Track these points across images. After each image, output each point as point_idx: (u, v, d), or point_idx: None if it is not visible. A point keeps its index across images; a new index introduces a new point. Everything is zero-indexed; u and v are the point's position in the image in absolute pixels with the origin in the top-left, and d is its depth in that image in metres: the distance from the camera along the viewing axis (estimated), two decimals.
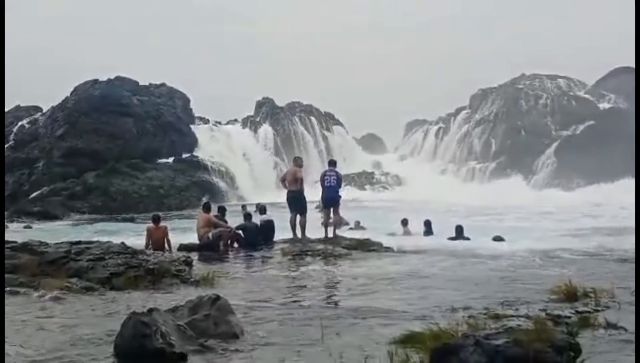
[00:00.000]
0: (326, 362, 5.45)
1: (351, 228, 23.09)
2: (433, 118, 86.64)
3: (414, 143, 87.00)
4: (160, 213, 22.49)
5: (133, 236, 21.36)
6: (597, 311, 6.96)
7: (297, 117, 70.48)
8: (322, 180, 18.66)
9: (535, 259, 14.08)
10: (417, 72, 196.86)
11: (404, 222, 23.22)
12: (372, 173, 67.75)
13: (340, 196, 18.85)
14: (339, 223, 19.42)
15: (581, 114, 63.24)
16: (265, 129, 65.91)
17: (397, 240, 19.98)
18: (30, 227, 35.48)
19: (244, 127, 66.06)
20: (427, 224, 22.16)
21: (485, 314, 6.74)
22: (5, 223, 32.86)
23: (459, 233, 20.39)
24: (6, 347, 6.30)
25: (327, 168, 20.19)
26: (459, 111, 79.63)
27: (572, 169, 55.77)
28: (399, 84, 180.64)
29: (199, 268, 12.01)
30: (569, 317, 6.57)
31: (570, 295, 8.11)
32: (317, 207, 19.63)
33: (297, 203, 18.41)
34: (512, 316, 6.46)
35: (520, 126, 66.61)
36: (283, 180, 19.45)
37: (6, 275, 10.43)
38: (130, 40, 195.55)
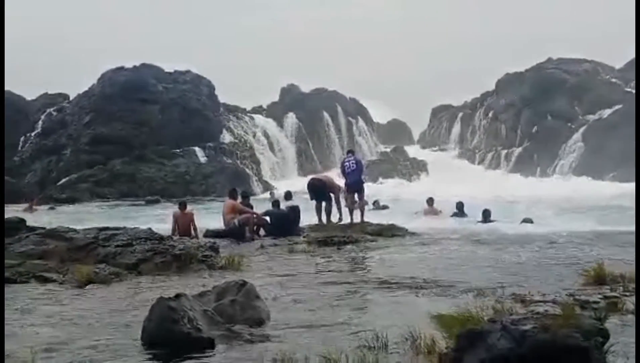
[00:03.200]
0: (352, 343, 5.46)
1: (371, 209, 23.07)
2: (459, 103, 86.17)
3: (439, 129, 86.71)
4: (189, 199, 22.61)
5: (159, 222, 21.50)
6: (626, 296, 6.89)
7: (322, 103, 70.32)
8: (343, 168, 18.81)
9: (563, 241, 13.98)
10: (443, 58, 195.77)
11: (430, 201, 23.11)
12: (398, 159, 67.56)
13: (363, 181, 18.91)
14: (364, 207, 19.44)
15: (608, 98, 62.40)
16: (290, 117, 65.81)
17: (423, 221, 19.97)
18: (54, 208, 35.97)
19: (268, 116, 66.02)
20: (460, 206, 22.09)
21: (512, 299, 6.71)
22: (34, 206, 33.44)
23: (486, 216, 20.34)
24: (36, 329, 6.39)
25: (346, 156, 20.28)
26: (485, 96, 79.05)
27: (599, 153, 55.15)
28: (425, 69, 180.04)
29: (226, 254, 12.04)
30: (597, 302, 6.53)
31: (599, 280, 8.05)
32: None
33: (319, 192, 18.57)
34: (540, 301, 6.43)
35: (546, 110, 65.96)
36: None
37: (35, 261, 10.56)
38: (153, 29, 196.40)
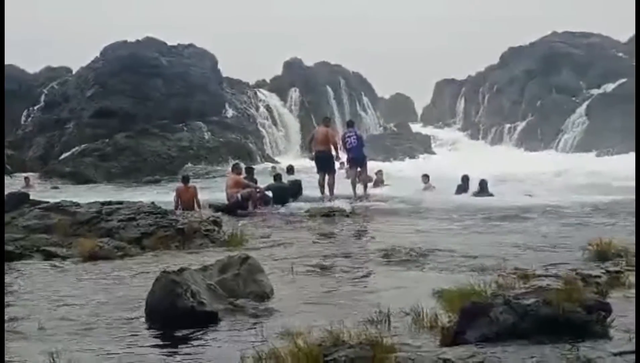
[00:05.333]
0: (355, 317, 5.48)
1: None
2: (463, 77, 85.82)
3: (443, 104, 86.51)
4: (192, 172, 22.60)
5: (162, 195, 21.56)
6: (629, 270, 6.89)
7: (325, 78, 70.05)
8: (344, 142, 18.68)
9: (564, 211, 13.98)
10: (447, 31, 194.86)
11: (426, 178, 23.13)
12: (400, 133, 67.45)
13: (365, 155, 18.84)
14: (367, 181, 19.42)
15: (613, 72, 62.12)
16: (293, 91, 65.58)
17: (422, 195, 19.97)
18: (57, 188, 35.94)
19: (271, 90, 65.81)
20: (465, 179, 22.00)
21: (514, 274, 6.71)
22: (32, 183, 33.29)
23: (483, 188, 20.26)
24: (43, 304, 6.42)
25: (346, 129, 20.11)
26: (489, 70, 78.71)
27: (603, 127, 54.97)
28: (429, 43, 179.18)
29: (228, 228, 12.06)
30: (600, 277, 6.53)
31: (602, 254, 8.04)
32: (344, 168, 19.62)
33: (325, 163, 18.41)
34: (542, 275, 6.43)
35: (551, 84, 65.71)
36: (310, 141, 19.34)
37: (39, 235, 10.60)
38: (156, 3, 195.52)
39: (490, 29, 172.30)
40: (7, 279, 7.76)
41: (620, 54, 66.17)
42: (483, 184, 20.36)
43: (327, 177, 18.42)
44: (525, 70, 69.23)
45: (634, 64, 59.06)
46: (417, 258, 8.83)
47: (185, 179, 18.54)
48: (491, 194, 19.86)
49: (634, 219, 11.71)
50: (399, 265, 8.50)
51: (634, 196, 14.07)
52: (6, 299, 6.50)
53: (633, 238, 8.24)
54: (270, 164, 40.66)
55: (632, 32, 69.24)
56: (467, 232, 12.03)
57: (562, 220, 13.34)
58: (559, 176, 30.81)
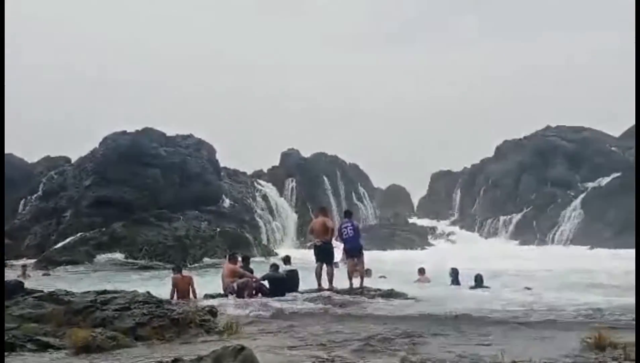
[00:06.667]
0: None
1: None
2: (458, 169, 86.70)
3: (439, 195, 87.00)
4: (187, 263, 22.51)
5: (158, 285, 21.40)
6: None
7: (322, 168, 70.70)
8: (340, 233, 18.64)
9: (562, 307, 13.84)
10: (442, 124, 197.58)
11: (421, 271, 23.25)
12: (396, 224, 67.57)
13: (361, 245, 18.77)
14: (364, 273, 19.30)
15: (607, 166, 62.86)
16: (290, 181, 66.12)
17: (418, 288, 19.89)
18: (49, 274, 35.78)
19: (268, 180, 66.35)
20: (454, 273, 22.02)
21: None
22: (29, 272, 33.15)
23: (479, 282, 20.27)
24: None
25: (344, 219, 20.14)
26: (484, 162, 79.58)
27: (598, 221, 55.24)
28: (425, 135, 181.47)
29: (224, 318, 11.96)
30: None
31: (600, 346, 7.99)
32: (341, 260, 19.55)
33: (326, 253, 18.33)
34: None
35: (545, 177, 66.34)
36: (311, 231, 19.30)
37: (32, 325, 10.49)
38: (155, 95, 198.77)
39: (486, 121, 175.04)
40: None
41: (614, 148, 67.07)
42: (478, 279, 20.39)
43: (325, 268, 18.30)
44: (520, 162, 70.11)
45: (627, 158, 60.03)
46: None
47: (178, 269, 18.53)
48: (487, 287, 19.86)
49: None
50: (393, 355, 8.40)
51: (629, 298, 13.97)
52: None
53: (629, 336, 8.20)
54: (267, 255, 40.47)
55: (625, 127, 70.47)
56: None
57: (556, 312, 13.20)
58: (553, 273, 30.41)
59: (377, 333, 10.12)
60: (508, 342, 9.02)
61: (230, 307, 14.41)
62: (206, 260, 43.66)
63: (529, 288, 19.74)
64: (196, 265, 39.93)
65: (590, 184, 62.76)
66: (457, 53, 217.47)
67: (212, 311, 12.19)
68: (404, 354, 8.27)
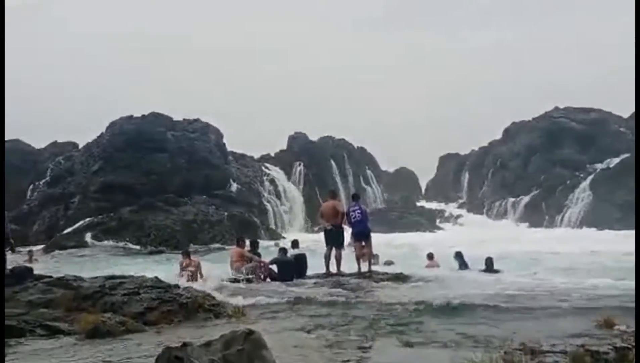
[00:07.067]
0: None
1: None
2: (467, 151, 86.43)
3: (447, 178, 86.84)
4: (195, 247, 22.52)
5: (166, 270, 21.44)
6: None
7: (329, 152, 70.63)
8: (348, 216, 18.55)
9: (570, 291, 13.77)
10: (450, 105, 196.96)
11: (430, 256, 23.16)
12: (404, 207, 67.50)
13: (369, 229, 18.71)
14: (372, 256, 19.25)
15: (616, 147, 62.56)
16: (297, 165, 66.05)
17: (428, 272, 19.84)
18: (57, 257, 35.91)
19: (276, 164, 66.29)
20: (459, 256, 21.95)
21: (521, 349, 6.62)
22: (35, 257, 33.26)
23: (489, 265, 20.19)
24: None
25: (351, 203, 20.02)
26: (492, 144, 79.28)
27: (607, 202, 55.05)
28: (433, 117, 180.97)
29: (232, 302, 11.97)
30: (607, 353, 6.43)
31: (608, 330, 7.96)
32: (348, 244, 19.50)
33: (336, 237, 18.29)
34: (549, 352, 6.34)
35: (554, 159, 66.05)
36: (322, 216, 19.22)
37: (42, 310, 10.52)
38: (164, 77, 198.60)
39: (494, 103, 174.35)
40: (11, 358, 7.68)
41: (622, 129, 66.63)
42: (488, 262, 20.30)
43: (334, 251, 18.26)
44: (528, 144, 69.73)
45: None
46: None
47: (186, 254, 18.56)
48: (498, 271, 19.77)
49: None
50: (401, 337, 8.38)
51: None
52: None
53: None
54: (273, 242, 40.48)
55: (634, 107, 70.03)
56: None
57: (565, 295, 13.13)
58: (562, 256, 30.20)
59: (385, 316, 10.11)
60: (517, 326, 9.00)
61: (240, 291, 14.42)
62: (214, 244, 43.78)
63: (536, 272, 19.70)
64: (204, 249, 39.94)
65: (599, 166, 62.46)
66: (468, 34, 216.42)
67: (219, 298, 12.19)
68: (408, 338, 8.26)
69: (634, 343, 7.00)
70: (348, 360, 6.88)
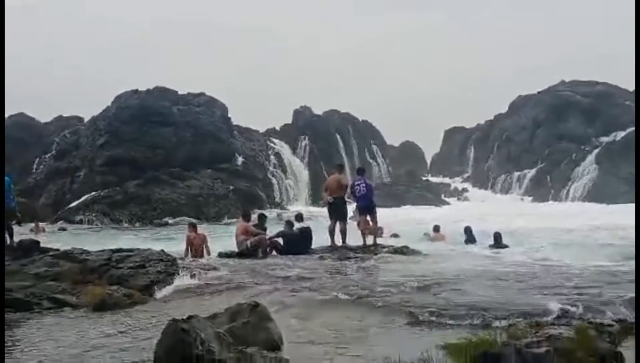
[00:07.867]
0: None
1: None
2: (472, 125, 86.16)
3: (452, 151, 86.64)
4: (200, 221, 22.53)
5: (172, 244, 21.53)
6: None
7: (334, 126, 70.46)
8: (353, 190, 18.54)
9: (575, 266, 13.78)
10: (456, 79, 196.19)
11: (436, 228, 23.19)
12: (410, 181, 67.40)
13: (374, 203, 18.69)
14: (377, 230, 19.27)
15: (622, 120, 62.26)
16: (302, 139, 65.91)
17: (433, 245, 19.88)
18: (65, 229, 36.04)
19: (281, 138, 66.19)
20: (468, 231, 21.96)
21: (526, 322, 6.66)
22: (41, 227, 33.41)
23: (498, 240, 20.20)
24: (50, 352, 6.38)
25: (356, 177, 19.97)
26: (498, 118, 79.02)
27: (612, 176, 54.93)
28: (438, 91, 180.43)
29: (238, 276, 12.01)
30: (612, 325, 6.46)
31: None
32: (351, 218, 19.49)
33: (339, 210, 18.30)
34: (554, 324, 6.37)
35: (559, 133, 65.84)
36: (326, 189, 19.20)
37: (48, 283, 10.57)
38: (170, 53, 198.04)
39: (499, 77, 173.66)
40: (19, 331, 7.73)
41: (628, 103, 66.23)
42: (497, 237, 20.30)
43: (338, 224, 18.26)
44: (534, 118, 69.45)
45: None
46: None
47: (192, 227, 18.54)
48: (506, 246, 19.79)
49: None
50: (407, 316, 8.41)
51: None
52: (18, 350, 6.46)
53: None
54: (277, 212, 40.54)
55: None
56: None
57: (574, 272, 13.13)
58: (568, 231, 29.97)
59: (389, 287, 10.13)
60: (519, 299, 9.02)
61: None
62: (220, 217, 43.91)
63: (542, 247, 19.73)
64: (210, 222, 40.03)
65: (604, 139, 62.26)
66: (472, 9, 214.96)
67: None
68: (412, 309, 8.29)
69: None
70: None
